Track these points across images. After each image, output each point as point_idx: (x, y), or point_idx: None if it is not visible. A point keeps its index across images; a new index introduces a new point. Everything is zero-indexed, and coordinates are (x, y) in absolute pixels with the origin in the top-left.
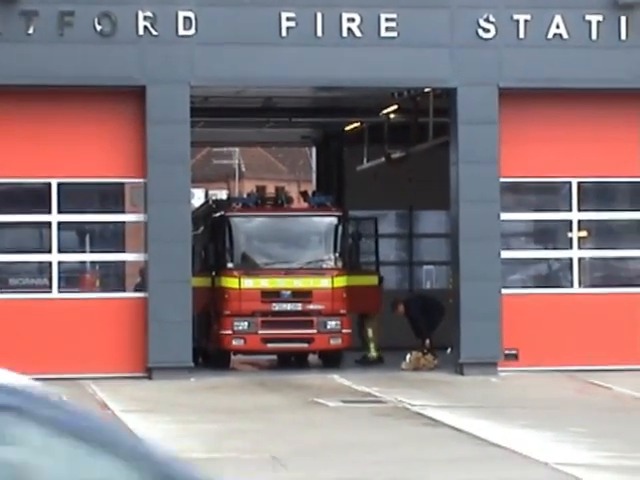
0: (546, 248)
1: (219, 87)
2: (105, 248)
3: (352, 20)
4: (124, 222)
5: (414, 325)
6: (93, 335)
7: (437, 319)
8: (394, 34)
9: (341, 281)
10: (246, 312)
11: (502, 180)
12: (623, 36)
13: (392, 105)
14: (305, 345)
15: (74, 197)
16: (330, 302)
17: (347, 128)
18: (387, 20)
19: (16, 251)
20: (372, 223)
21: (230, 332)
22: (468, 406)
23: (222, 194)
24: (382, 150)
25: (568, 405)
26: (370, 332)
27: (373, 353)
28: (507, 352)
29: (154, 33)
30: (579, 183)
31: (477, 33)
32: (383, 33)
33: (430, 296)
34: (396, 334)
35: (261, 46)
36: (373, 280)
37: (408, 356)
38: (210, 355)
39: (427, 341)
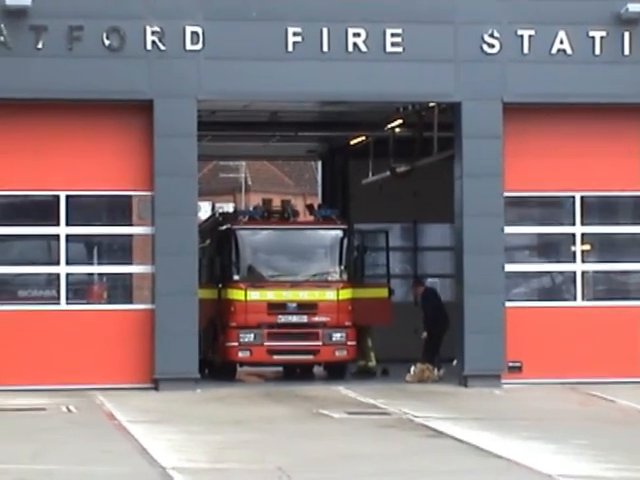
0: (550, 261)
1: (226, 101)
2: (113, 260)
3: (358, 35)
4: (131, 235)
5: (426, 311)
6: (100, 346)
7: (446, 321)
8: (399, 49)
9: (346, 293)
10: (252, 324)
11: (506, 194)
12: (627, 51)
13: (397, 119)
14: (310, 357)
15: (82, 210)
16: (335, 314)
17: (352, 142)
18: (392, 35)
19: (25, 263)
20: (383, 236)
21: (236, 344)
22: (472, 418)
23: (229, 207)
24: (387, 164)
25: (571, 417)
26: (370, 342)
27: (373, 362)
28: (511, 364)
29: (162, 48)
30: (582, 197)
31: (481, 48)
32: (388, 48)
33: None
34: (402, 346)
35: (267, 61)
36: (383, 292)
37: (413, 368)
38: (216, 366)
39: (424, 334)
